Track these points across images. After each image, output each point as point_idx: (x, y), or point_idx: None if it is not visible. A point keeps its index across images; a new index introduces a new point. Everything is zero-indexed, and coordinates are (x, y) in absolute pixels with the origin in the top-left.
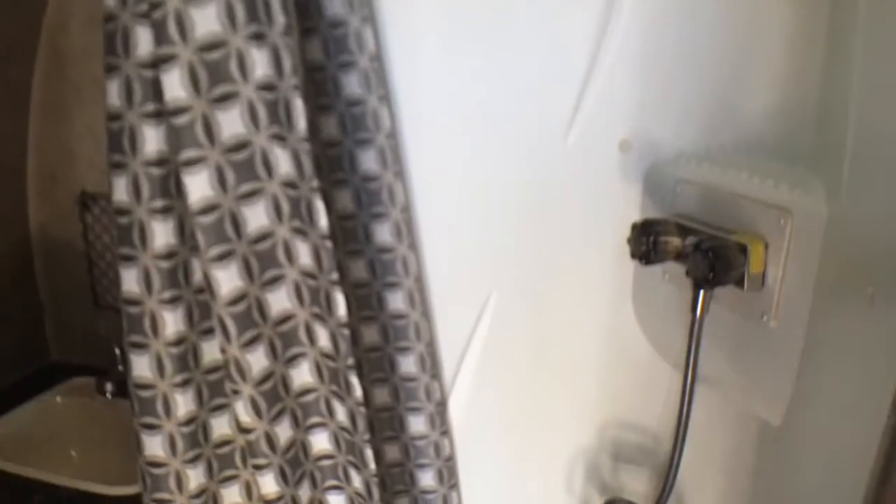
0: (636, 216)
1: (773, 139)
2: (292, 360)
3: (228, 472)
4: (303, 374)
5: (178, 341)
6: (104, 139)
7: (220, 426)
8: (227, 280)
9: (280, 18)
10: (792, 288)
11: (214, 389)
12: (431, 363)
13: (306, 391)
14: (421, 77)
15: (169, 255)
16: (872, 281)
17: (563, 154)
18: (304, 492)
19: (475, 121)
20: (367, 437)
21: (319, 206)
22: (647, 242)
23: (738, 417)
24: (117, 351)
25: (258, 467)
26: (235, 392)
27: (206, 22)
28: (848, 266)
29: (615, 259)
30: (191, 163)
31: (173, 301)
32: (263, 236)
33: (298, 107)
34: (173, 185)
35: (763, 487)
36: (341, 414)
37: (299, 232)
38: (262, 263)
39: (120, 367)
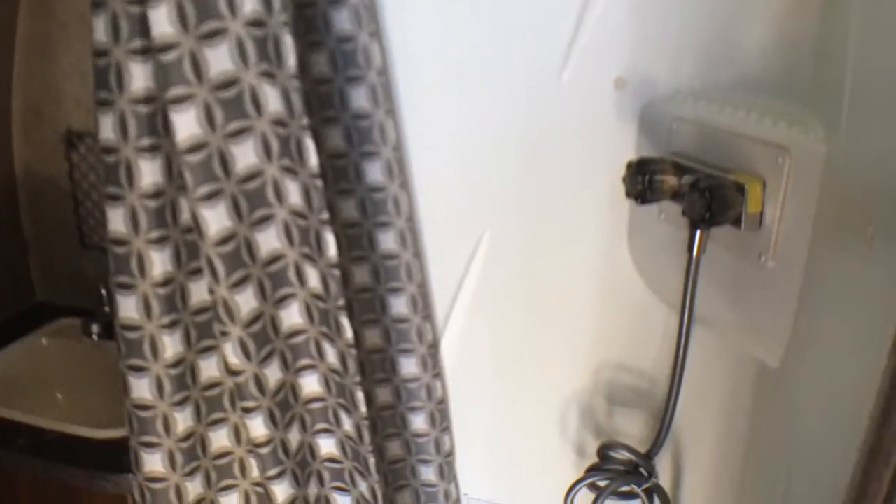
0: (631, 154)
1: (771, 76)
2: (282, 301)
3: (217, 415)
4: (292, 316)
5: (166, 282)
6: (90, 76)
7: (209, 368)
8: (216, 220)
9: None
10: (790, 227)
11: (202, 331)
12: (423, 304)
13: (296, 332)
14: (413, 14)
15: (156, 194)
16: (872, 221)
17: (558, 92)
18: (294, 435)
19: (468, 58)
20: (357, 379)
21: (309, 145)
22: (642, 181)
23: (736, 359)
24: (104, 292)
25: (247, 410)
26: (224, 333)
27: None
28: (847, 205)
29: (610, 198)
30: (178, 100)
31: (161, 241)
32: (252, 175)
33: (288, 43)
34: (161, 122)
35: (761, 430)
36: (331, 356)
37: (289, 171)
38: (250, 203)
39: (106, 308)
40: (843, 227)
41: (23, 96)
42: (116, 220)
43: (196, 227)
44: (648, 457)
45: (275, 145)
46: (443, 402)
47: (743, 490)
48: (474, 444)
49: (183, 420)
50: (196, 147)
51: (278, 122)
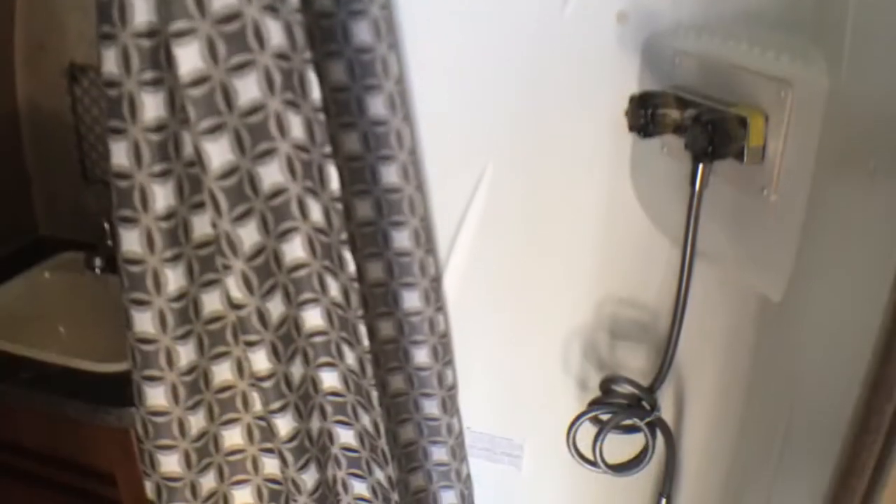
0: (634, 88)
1: (773, 9)
2: (284, 235)
3: (219, 349)
4: (295, 249)
5: (169, 215)
6: (93, 10)
7: (211, 302)
8: (218, 153)
9: None
10: (792, 161)
11: (205, 264)
12: (426, 238)
13: (298, 266)
14: None
15: (159, 127)
16: (874, 154)
17: (560, 25)
18: (297, 368)
19: None
20: (360, 313)
21: (312, 78)
22: (645, 115)
23: (738, 293)
24: (106, 225)
25: (250, 343)
26: (226, 267)
27: None
28: (850, 139)
29: (613, 132)
30: (181, 34)
31: (164, 174)
32: (255, 108)
33: None
34: (163, 56)
35: (763, 364)
36: (334, 289)
37: (291, 104)
38: (253, 136)
39: (109, 242)
40: (845, 161)
41: (26, 30)
42: (119, 154)
43: (199, 160)
44: (651, 390)
45: (277, 79)
46: (445, 336)
47: (745, 423)
48: (477, 378)
49: (186, 353)
50: (199, 81)
51: (281, 56)
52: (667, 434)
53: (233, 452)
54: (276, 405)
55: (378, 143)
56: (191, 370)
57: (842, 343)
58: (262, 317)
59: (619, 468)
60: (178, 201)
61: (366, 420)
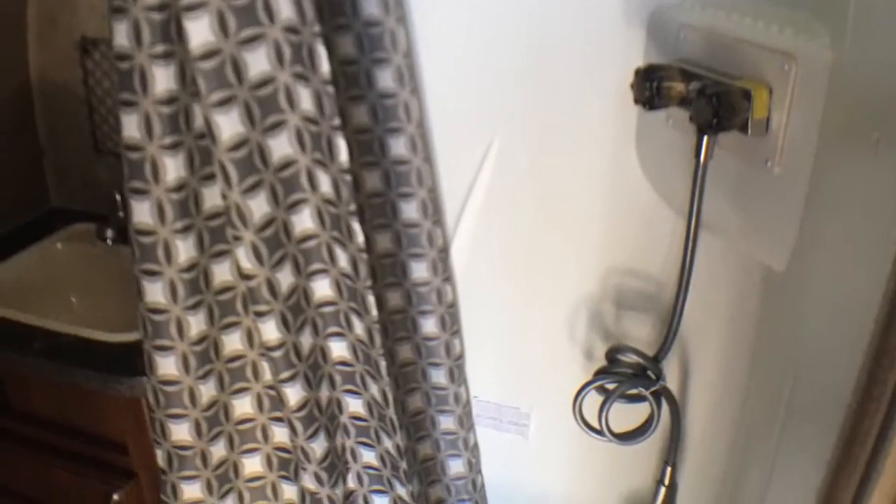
0: (639, 61)
1: None
2: (294, 206)
3: (229, 319)
4: (304, 220)
5: (179, 187)
6: None
7: (222, 272)
8: (228, 125)
9: None
10: (796, 133)
11: (215, 235)
12: (434, 209)
13: (308, 237)
14: None
15: (170, 100)
16: (878, 126)
17: None
18: (306, 338)
19: None
20: (368, 283)
21: (321, 52)
22: (650, 88)
23: (742, 264)
24: (118, 197)
25: (259, 314)
26: (237, 238)
27: None
28: (853, 112)
29: (618, 104)
30: (191, 7)
31: (174, 146)
32: (265, 81)
33: None
34: (174, 30)
35: (766, 334)
36: (343, 260)
37: (301, 77)
38: (263, 109)
39: (121, 214)
40: (848, 133)
41: (38, 4)
42: (130, 127)
43: (209, 132)
44: (656, 360)
45: (287, 52)
46: (453, 306)
47: (749, 392)
48: (484, 348)
49: (196, 323)
50: (209, 54)
51: (290, 30)
52: (672, 403)
53: (243, 421)
54: (285, 375)
55: (386, 115)
56: (201, 340)
57: (844, 312)
58: (272, 287)
59: (625, 437)
60: (189, 173)
61: (374, 389)
